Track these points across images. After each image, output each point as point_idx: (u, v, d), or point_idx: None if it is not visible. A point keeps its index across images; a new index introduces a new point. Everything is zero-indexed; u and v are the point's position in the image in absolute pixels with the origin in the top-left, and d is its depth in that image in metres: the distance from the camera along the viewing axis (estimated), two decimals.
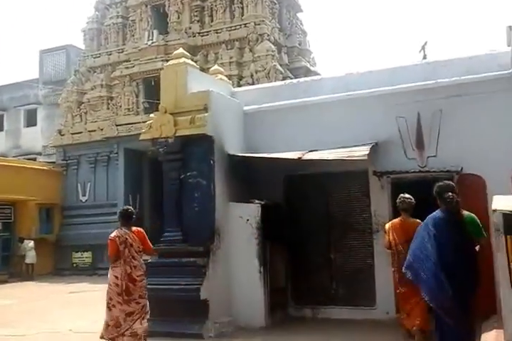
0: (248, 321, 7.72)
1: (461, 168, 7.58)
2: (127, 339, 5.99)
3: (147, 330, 6.20)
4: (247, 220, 8.09)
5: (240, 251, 8.04)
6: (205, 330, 7.26)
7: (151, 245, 6.46)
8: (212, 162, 8.11)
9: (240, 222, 8.12)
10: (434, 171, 7.68)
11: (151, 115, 9.30)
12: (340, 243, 8.48)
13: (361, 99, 8.33)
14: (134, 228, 6.28)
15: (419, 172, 7.79)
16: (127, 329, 6.00)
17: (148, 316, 6.27)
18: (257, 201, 8.24)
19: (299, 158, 8.09)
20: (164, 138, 8.33)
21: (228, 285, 7.92)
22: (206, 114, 8.18)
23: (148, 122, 8.74)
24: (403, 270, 5.22)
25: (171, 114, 8.39)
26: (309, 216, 8.67)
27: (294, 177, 8.78)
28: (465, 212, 5.08)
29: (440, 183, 5.21)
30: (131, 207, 6.62)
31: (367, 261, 8.20)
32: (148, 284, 7.70)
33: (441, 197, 5.04)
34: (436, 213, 5.07)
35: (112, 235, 6.12)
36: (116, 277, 6.11)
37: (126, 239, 6.13)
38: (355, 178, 8.47)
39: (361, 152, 7.76)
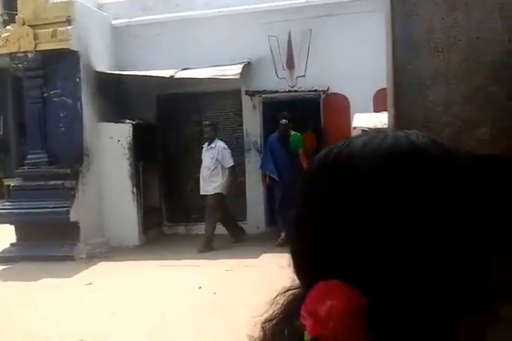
0: (122, 241, 7.76)
1: (328, 88, 7.84)
2: None
3: None
4: (118, 141, 7.88)
5: (111, 172, 7.87)
6: (76, 252, 7.19)
7: None
8: (78, 79, 7.65)
9: (111, 143, 7.89)
10: (302, 91, 7.89)
11: (8, 27, 8.43)
12: None
13: (234, 16, 8.13)
14: None
15: (288, 91, 7.95)
16: None
17: None
18: (128, 121, 8.00)
19: (171, 76, 7.88)
20: (23, 52, 7.66)
21: (100, 207, 7.80)
22: (70, 27, 7.59)
23: (4, 35, 7.93)
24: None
25: (31, 26, 7.68)
26: (183, 135, 8.63)
27: (166, 96, 8.58)
28: (292, 133, 7.42)
29: (281, 114, 7.41)
30: None
31: (239, 178, 8.42)
32: (14, 208, 7.45)
33: (278, 123, 7.40)
34: (275, 134, 7.56)
35: None
36: None
37: None
38: (228, 97, 8.47)
39: (233, 71, 7.72)
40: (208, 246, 7.38)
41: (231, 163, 7.52)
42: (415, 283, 0.44)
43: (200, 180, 7.58)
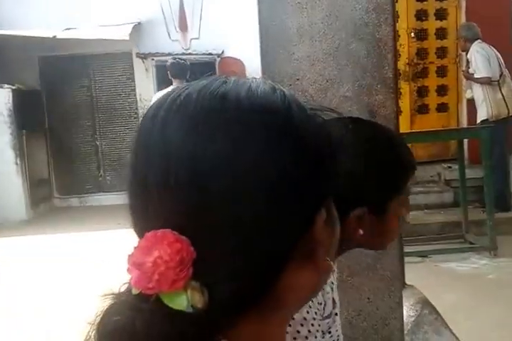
0: (6, 216, 7.20)
1: (222, 51, 7.65)
2: None
3: None
4: None
5: None
6: None
7: None
8: None
9: None
10: (196, 54, 7.65)
11: None
12: (107, 129, 8.21)
13: None
14: None
15: (182, 54, 7.66)
16: None
17: None
18: (6, 85, 7.35)
19: (54, 36, 7.32)
20: None
21: None
22: None
23: None
24: None
25: None
26: (71, 101, 8.11)
27: (50, 59, 7.95)
28: None
29: None
30: None
31: None
32: None
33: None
34: None
35: None
36: None
37: None
38: (119, 60, 8.05)
39: (122, 32, 7.31)
40: None
41: None
42: (241, 234, 0.44)
43: None
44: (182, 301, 0.42)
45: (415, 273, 3.35)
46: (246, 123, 0.45)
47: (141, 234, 0.45)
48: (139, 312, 0.43)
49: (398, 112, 2.11)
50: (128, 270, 0.44)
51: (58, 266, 5.22)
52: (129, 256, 0.44)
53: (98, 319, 0.46)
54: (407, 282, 2.55)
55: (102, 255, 5.48)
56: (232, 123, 0.45)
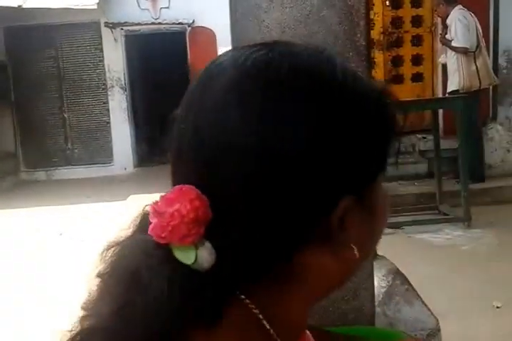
0: None
1: (193, 21, 7.45)
2: None
3: None
4: None
5: None
6: None
7: None
8: None
9: None
10: (166, 23, 7.45)
11: None
12: (74, 101, 8.02)
13: None
14: None
15: (152, 24, 7.46)
16: None
17: None
18: None
19: (19, 6, 7.04)
20: None
21: None
22: None
23: None
24: None
25: None
26: (37, 72, 7.87)
27: (15, 29, 7.68)
28: None
29: None
30: None
31: (103, 118, 7.95)
32: None
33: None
34: None
35: None
36: None
37: None
38: (87, 30, 7.80)
39: (90, 0, 7.04)
40: None
41: None
42: (258, 203, 0.44)
43: None
44: (190, 256, 0.44)
45: (387, 244, 3.32)
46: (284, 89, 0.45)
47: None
48: (150, 257, 0.44)
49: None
50: (150, 216, 0.45)
51: (25, 240, 5.12)
52: (154, 203, 0.45)
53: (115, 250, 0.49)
54: (379, 253, 2.54)
55: (58, 229, 5.38)
56: (269, 87, 0.45)
